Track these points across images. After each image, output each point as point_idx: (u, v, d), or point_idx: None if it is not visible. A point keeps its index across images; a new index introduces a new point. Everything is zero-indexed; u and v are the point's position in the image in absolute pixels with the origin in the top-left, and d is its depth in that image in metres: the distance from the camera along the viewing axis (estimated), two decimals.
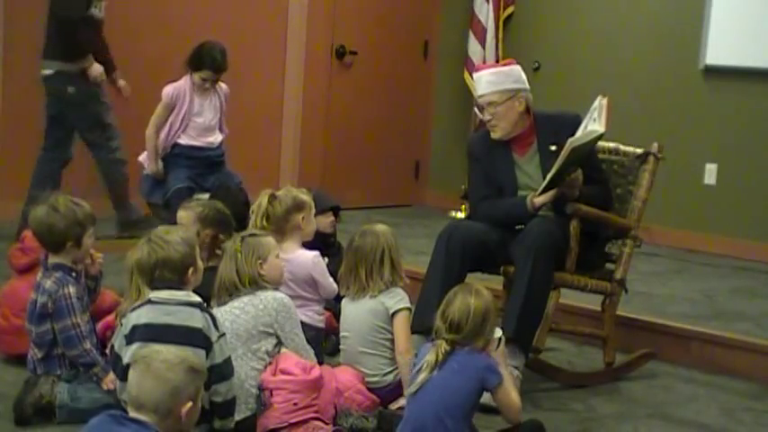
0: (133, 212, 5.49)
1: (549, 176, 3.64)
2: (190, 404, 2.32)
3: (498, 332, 2.95)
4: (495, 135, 3.83)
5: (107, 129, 5.37)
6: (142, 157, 4.84)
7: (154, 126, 4.75)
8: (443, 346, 2.84)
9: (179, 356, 2.36)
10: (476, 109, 3.98)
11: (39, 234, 3.33)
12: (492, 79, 3.79)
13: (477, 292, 2.90)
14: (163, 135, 4.76)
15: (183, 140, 4.77)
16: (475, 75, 3.90)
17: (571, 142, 3.55)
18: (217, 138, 4.86)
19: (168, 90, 4.75)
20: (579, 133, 3.62)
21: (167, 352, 2.37)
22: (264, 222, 3.65)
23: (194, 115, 4.76)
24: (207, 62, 4.73)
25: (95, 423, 2.30)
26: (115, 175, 5.46)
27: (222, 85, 4.89)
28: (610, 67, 6.66)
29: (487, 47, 7.00)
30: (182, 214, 3.80)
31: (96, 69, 5.21)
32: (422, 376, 2.83)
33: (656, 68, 6.53)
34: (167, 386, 2.28)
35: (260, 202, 3.69)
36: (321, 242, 3.96)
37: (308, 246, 3.72)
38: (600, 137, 3.68)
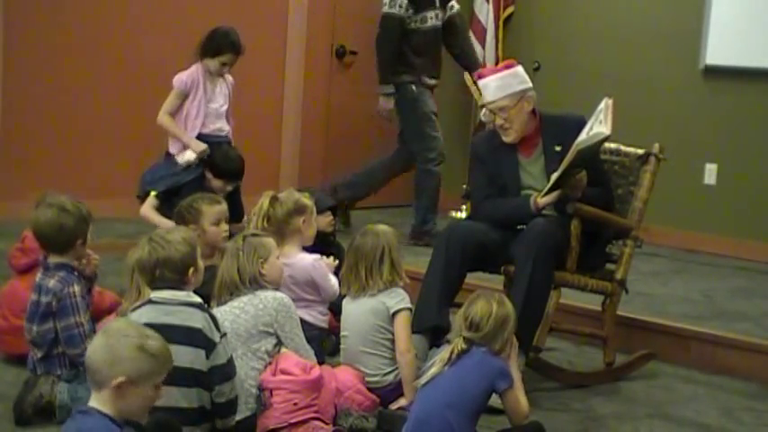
0: (430, 221, 5.85)
1: (553, 178, 3.64)
2: (122, 379, 2.26)
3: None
4: (507, 139, 3.83)
5: (424, 139, 5.78)
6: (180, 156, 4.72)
7: (167, 113, 4.70)
8: (460, 344, 2.87)
9: (140, 333, 2.33)
10: (486, 112, 3.97)
11: (47, 235, 3.29)
12: (500, 84, 3.79)
13: (500, 300, 2.94)
14: (180, 125, 4.70)
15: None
16: (481, 82, 3.88)
17: (577, 144, 3.55)
18: (224, 126, 4.85)
19: (183, 78, 4.69)
20: (584, 135, 3.61)
21: (131, 327, 2.36)
22: (265, 224, 3.65)
23: (208, 101, 4.75)
24: (227, 46, 4.71)
25: (68, 422, 2.33)
26: (423, 184, 5.90)
27: (228, 77, 4.88)
28: (610, 67, 6.66)
29: (487, 47, 7.01)
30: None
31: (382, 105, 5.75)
32: (433, 370, 2.86)
33: (656, 68, 6.53)
34: (107, 354, 2.26)
35: (261, 204, 3.70)
36: (321, 242, 3.96)
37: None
38: (605, 139, 3.69)
